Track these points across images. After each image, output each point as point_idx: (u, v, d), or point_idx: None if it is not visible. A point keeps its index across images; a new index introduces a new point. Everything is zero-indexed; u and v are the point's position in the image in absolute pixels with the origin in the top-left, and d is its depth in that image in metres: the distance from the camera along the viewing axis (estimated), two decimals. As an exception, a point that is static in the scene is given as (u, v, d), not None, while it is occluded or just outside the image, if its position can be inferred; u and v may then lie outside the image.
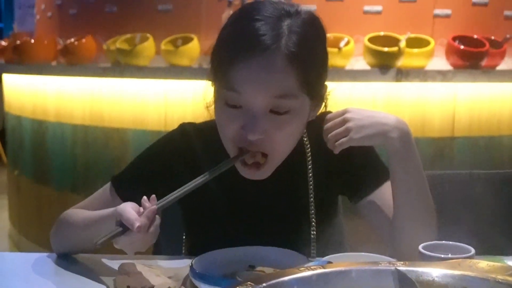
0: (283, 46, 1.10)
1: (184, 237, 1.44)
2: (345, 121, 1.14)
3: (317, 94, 1.19)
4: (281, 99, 1.11)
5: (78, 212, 1.27)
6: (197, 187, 1.13)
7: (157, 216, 1.06)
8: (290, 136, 1.17)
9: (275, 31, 1.10)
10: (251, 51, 1.09)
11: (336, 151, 1.15)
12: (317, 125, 1.32)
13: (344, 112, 1.16)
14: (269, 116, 1.12)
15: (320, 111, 1.29)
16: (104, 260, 1.25)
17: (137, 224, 1.00)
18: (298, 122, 1.17)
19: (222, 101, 1.15)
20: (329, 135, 1.15)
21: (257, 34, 1.10)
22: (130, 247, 1.05)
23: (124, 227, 1.02)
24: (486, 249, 1.17)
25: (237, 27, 1.15)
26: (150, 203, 1.05)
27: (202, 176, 1.13)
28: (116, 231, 1.03)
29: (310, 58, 1.15)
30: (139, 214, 1.03)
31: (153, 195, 1.08)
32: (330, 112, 1.35)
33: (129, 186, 1.27)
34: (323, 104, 1.25)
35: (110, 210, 1.11)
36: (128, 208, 1.03)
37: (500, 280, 0.73)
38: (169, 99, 3.01)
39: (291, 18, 1.13)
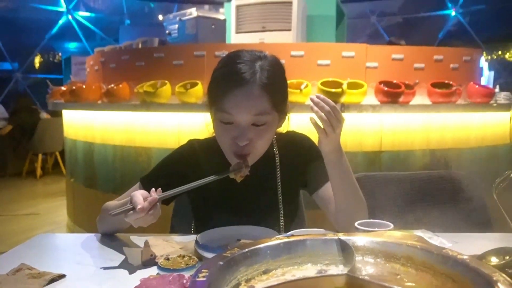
0: (258, 80, 1.11)
1: (193, 221, 1.43)
2: (338, 116, 1.07)
3: (283, 111, 1.20)
4: (259, 116, 1.12)
5: (113, 202, 1.26)
6: (190, 189, 1.11)
7: (157, 203, 1.04)
8: (265, 141, 1.18)
9: (251, 69, 1.12)
10: (236, 85, 1.11)
11: (325, 129, 1.08)
12: (284, 138, 1.32)
13: (335, 107, 1.07)
14: (251, 128, 1.13)
15: (286, 129, 1.30)
16: (132, 238, 1.24)
17: (139, 206, 0.98)
18: (271, 131, 1.18)
19: (218, 120, 1.16)
20: (324, 113, 1.07)
21: (240, 73, 1.11)
22: (135, 222, 1.03)
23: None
24: (402, 225, 1.18)
25: (225, 69, 1.16)
26: (155, 194, 1.04)
27: (195, 182, 1.11)
28: (126, 208, 1.02)
29: (276, 86, 1.16)
30: (146, 200, 1.01)
31: (159, 188, 1.06)
32: (294, 131, 1.36)
33: (151, 183, 1.25)
34: (287, 116, 1.25)
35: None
36: (138, 194, 1.02)
37: (409, 244, 0.74)
38: (181, 126, 3.01)
39: (261, 60, 1.15)
